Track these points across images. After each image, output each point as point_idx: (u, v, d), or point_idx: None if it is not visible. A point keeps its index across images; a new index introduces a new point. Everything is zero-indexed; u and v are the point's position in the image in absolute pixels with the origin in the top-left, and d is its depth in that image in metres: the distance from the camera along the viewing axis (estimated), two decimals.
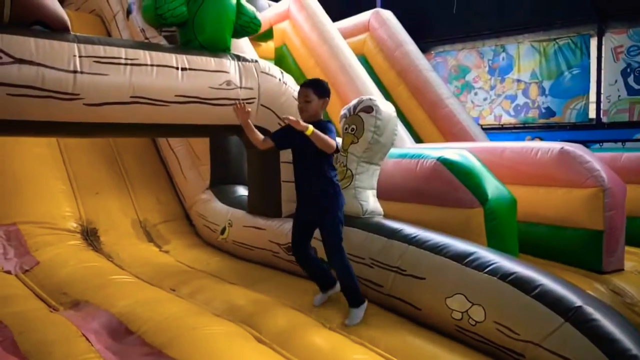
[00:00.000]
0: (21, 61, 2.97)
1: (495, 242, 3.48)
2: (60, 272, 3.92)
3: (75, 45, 3.19)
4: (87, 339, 2.74)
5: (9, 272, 3.99)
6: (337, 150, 3.00)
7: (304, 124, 2.87)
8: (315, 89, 3.12)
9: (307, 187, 3.13)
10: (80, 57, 3.18)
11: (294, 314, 3.13)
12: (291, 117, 2.87)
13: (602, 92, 11.44)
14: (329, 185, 3.08)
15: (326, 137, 2.92)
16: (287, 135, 3.10)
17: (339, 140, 3.88)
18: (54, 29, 3.19)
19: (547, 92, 12.16)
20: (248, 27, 4.07)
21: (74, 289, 3.57)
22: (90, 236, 4.74)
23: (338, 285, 3.22)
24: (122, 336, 2.86)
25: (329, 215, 3.06)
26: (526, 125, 12.43)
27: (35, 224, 4.58)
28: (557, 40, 12.00)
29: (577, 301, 2.53)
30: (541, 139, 11.50)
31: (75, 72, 3.15)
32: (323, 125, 3.08)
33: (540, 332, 2.51)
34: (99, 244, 4.66)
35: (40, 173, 4.98)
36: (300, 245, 3.23)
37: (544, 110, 12.20)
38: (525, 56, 12.46)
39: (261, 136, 3.15)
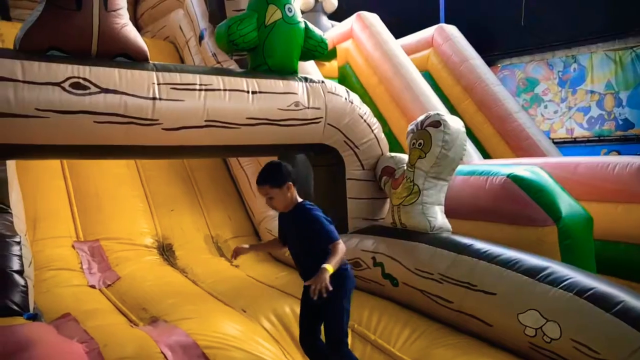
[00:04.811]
0: (107, 91, 3.18)
1: (570, 261, 3.35)
2: (140, 288, 4.11)
3: (154, 73, 3.38)
4: (165, 355, 2.83)
5: (93, 287, 4.24)
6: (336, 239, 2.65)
7: (322, 272, 2.40)
8: (272, 183, 2.69)
9: (308, 269, 2.59)
10: (158, 84, 3.36)
11: (358, 331, 3.17)
12: (311, 286, 2.40)
13: None
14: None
15: (336, 255, 2.53)
16: (283, 229, 2.95)
17: (405, 156, 3.89)
18: (136, 59, 3.41)
19: (624, 103, 11.56)
20: (315, 50, 4.17)
21: (152, 305, 3.72)
22: (165, 251, 4.97)
23: None
24: (196, 355, 2.93)
25: (332, 302, 2.51)
26: (601, 138, 11.83)
27: (116, 240, 4.85)
28: (635, 49, 11.43)
29: None
30: (619, 152, 10.93)
31: (154, 99, 3.33)
32: (303, 213, 2.74)
33: (622, 351, 2.41)
34: (174, 259, 4.88)
35: (120, 192, 5.28)
36: (308, 335, 2.76)
37: (621, 122, 11.59)
38: (599, 66, 11.92)
39: (276, 246, 3.11)
